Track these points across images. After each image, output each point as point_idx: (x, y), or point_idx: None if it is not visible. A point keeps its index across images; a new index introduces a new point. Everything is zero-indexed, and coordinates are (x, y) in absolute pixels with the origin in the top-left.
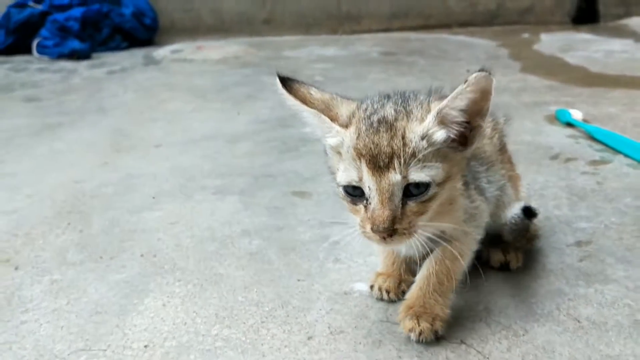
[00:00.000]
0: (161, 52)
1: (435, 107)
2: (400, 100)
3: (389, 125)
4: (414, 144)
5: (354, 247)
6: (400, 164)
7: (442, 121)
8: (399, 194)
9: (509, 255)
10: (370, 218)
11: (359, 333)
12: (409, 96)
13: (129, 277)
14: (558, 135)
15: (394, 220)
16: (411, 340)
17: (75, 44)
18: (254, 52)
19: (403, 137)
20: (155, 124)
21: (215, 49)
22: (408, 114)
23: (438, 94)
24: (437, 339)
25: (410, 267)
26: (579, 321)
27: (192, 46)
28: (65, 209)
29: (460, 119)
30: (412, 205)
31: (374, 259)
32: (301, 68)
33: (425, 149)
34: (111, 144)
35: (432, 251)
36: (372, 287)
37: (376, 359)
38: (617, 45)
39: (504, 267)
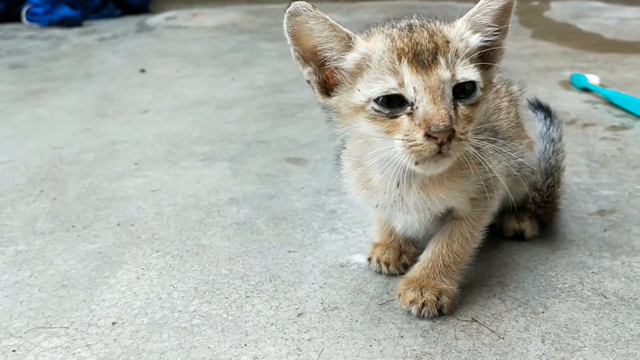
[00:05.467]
0: (155, 20)
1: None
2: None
3: (423, 27)
4: (455, 43)
5: (352, 215)
6: (447, 61)
7: (473, 26)
8: (449, 93)
9: (523, 223)
10: (424, 121)
11: (355, 310)
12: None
13: (102, 247)
14: (574, 101)
15: (451, 119)
16: (412, 315)
17: (66, 11)
18: (253, 19)
19: (443, 35)
20: (143, 89)
21: (211, 16)
22: (436, 21)
23: None
24: (440, 315)
25: (411, 238)
26: (605, 297)
27: (187, 13)
28: (40, 176)
29: (490, 27)
30: (462, 108)
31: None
32: None
33: (464, 50)
34: (95, 109)
35: (436, 230)
36: (369, 259)
37: (375, 338)
38: (630, 12)
39: (519, 237)
